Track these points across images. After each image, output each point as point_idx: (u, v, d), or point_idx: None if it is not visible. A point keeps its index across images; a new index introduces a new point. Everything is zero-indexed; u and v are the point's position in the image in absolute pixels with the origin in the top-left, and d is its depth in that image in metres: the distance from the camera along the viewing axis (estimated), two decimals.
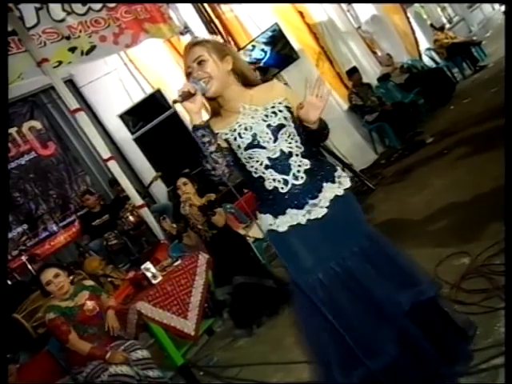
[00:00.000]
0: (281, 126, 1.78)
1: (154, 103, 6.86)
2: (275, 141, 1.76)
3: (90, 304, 3.16)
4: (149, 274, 3.62)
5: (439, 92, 7.39)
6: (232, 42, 6.50)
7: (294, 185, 1.76)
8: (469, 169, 4.10)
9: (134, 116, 7.06)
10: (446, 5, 12.93)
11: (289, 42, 5.54)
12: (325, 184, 1.80)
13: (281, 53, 5.50)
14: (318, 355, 1.83)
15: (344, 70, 7.09)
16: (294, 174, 1.76)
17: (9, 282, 5.52)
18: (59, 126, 7.50)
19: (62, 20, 5.14)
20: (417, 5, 11.34)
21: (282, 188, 1.76)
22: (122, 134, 7.24)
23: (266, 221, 1.81)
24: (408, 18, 9.23)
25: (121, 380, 2.89)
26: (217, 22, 6.47)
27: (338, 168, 1.91)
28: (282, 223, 1.77)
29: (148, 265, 3.67)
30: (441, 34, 9.49)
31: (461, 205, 3.48)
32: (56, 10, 5.11)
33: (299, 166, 1.77)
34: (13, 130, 7.15)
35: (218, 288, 4.03)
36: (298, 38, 6.55)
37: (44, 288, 3.13)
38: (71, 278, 3.37)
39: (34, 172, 7.29)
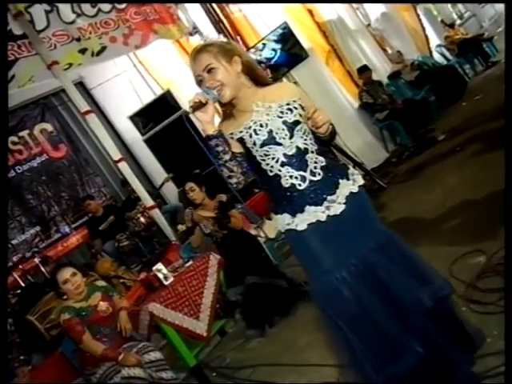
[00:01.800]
0: (296, 123, 1.76)
1: (164, 104, 6.86)
2: (291, 137, 1.75)
3: (103, 305, 3.16)
4: (160, 275, 3.62)
5: (451, 89, 7.30)
6: (241, 42, 6.49)
7: (311, 181, 1.74)
8: (482, 166, 4.05)
9: (143, 117, 7.07)
10: None
11: (298, 40, 5.51)
12: (341, 181, 1.79)
13: (291, 51, 5.47)
14: (348, 356, 1.80)
15: (354, 67, 7.04)
16: (311, 171, 1.75)
17: (22, 284, 5.57)
18: (70, 128, 7.56)
19: (72, 22, 5.17)
20: None
21: (300, 185, 1.74)
22: (132, 135, 7.26)
23: (283, 221, 1.78)
24: (418, 14, 9.14)
25: (133, 383, 2.89)
26: (225, 21, 6.47)
27: (350, 166, 1.90)
28: (301, 221, 1.74)
29: (159, 266, 3.67)
30: (451, 30, 9.40)
31: (475, 202, 3.43)
32: (66, 12, 5.14)
33: (315, 162, 1.76)
34: (24, 133, 7.22)
35: (230, 288, 4.02)
36: (307, 36, 6.51)
37: (59, 287, 3.13)
38: (85, 279, 3.38)
39: (46, 174, 7.34)
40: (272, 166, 1.75)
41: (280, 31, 5.46)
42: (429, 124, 6.64)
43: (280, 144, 1.74)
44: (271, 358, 3.18)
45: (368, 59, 7.42)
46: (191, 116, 1.76)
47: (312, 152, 1.77)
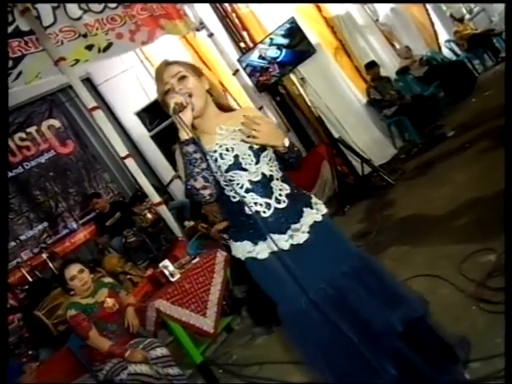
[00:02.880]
0: (262, 149, 1.72)
1: None
2: (257, 163, 1.70)
3: (109, 301, 3.17)
4: (167, 272, 3.61)
5: (460, 84, 7.22)
6: (247, 38, 6.46)
7: (276, 209, 1.70)
8: (492, 162, 3.98)
9: (150, 113, 7.08)
10: None
11: (306, 35, 5.45)
12: (305, 209, 1.75)
13: (297, 48, 5.41)
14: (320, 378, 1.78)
15: (362, 63, 6.98)
16: (276, 198, 1.71)
17: (30, 280, 5.61)
18: (77, 124, 7.57)
19: (79, 18, 5.16)
20: None
21: (264, 212, 1.69)
22: (139, 131, 7.27)
23: (244, 248, 1.74)
24: (427, 9, 9.04)
25: (140, 379, 2.90)
26: (232, 17, 6.43)
27: (313, 195, 1.86)
28: (263, 250, 1.70)
29: (166, 262, 3.66)
30: (461, 25, 9.29)
31: (484, 200, 3.38)
32: (72, 8, 5.13)
33: (280, 189, 1.72)
34: (32, 129, 7.25)
35: (237, 285, 4.01)
36: (315, 31, 6.46)
37: (67, 284, 3.14)
38: (92, 275, 3.39)
39: (54, 170, 7.37)
40: (236, 192, 1.68)
41: (287, 26, 5.39)
42: (438, 120, 6.56)
43: (245, 170, 1.69)
44: (278, 355, 3.16)
45: (376, 55, 7.36)
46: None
47: (277, 179, 1.73)
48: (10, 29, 4.65)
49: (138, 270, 5.22)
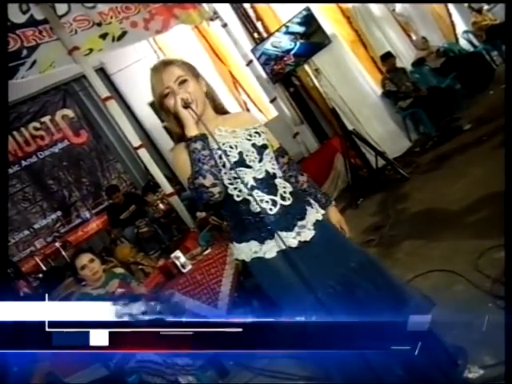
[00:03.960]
0: (265, 147, 1.72)
1: None
2: (260, 161, 1.70)
3: (120, 292, 3.18)
4: (178, 263, 3.61)
5: (477, 76, 7.09)
6: (262, 28, 6.39)
7: (282, 205, 1.68)
8: None
9: None
10: None
11: (321, 25, 5.40)
12: (307, 207, 1.76)
13: (312, 40, 5.35)
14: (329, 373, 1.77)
15: (378, 54, 6.88)
16: (281, 195, 1.70)
17: (43, 268, 5.67)
18: (91, 114, 7.60)
19: (93, 7, 5.14)
20: None
21: (271, 209, 1.67)
22: (152, 121, 7.26)
23: (249, 249, 1.70)
24: None
25: (147, 366, 2.90)
26: (246, 7, 6.37)
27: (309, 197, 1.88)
28: (270, 249, 1.67)
29: (178, 253, 3.66)
30: (479, 15, 9.11)
31: (501, 194, 3.31)
32: None
33: (284, 187, 1.72)
34: (46, 119, 7.30)
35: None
36: (330, 21, 6.38)
37: (77, 273, 3.16)
38: (103, 266, 3.40)
39: (67, 160, 7.43)
40: (240, 191, 1.66)
41: (304, 13, 5.35)
42: (454, 113, 6.46)
43: (250, 167, 1.68)
44: None
45: (392, 45, 7.24)
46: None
47: (280, 177, 1.73)
48: (25, 18, 4.65)
49: (150, 260, 5.23)
